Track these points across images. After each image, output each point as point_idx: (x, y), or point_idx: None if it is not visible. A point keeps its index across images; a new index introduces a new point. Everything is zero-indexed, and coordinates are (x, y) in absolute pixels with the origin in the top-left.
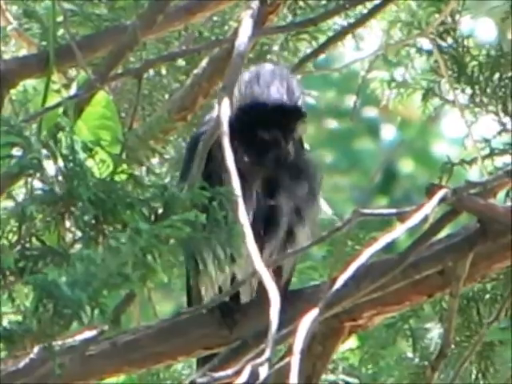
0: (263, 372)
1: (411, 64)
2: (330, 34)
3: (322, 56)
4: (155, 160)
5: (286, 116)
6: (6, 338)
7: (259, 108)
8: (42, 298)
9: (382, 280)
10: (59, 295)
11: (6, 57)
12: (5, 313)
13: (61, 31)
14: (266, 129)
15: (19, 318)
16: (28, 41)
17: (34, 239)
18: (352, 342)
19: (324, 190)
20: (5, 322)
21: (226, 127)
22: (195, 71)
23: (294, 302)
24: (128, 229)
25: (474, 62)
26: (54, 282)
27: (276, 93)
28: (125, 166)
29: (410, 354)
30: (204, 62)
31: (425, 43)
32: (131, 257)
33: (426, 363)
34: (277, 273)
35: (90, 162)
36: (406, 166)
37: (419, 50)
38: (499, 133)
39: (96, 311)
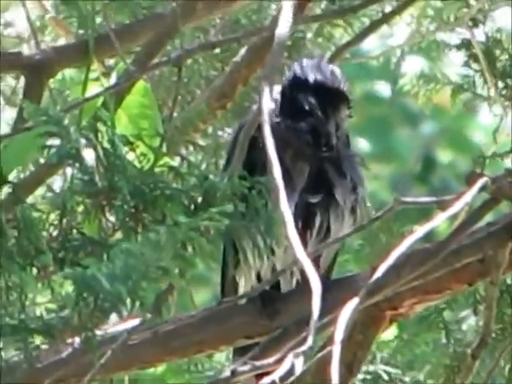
0: (301, 361)
1: (442, 57)
2: (365, 19)
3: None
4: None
5: (330, 96)
6: (45, 332)
7: (304, 86)
8: (82, 292)
9: (422, 268)
10: (99, 289)
11: (44, 46)
12: (42, 303)
13: (98, 19)
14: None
15: (56, 306)
16: (65, 29)
17: (73, 230)
18: (390, 331)
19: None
20: (43, 312)
21: (266, 116)
22: (234, 59)
23: (334, 291)
24: (166, 221)
25: (506, 56)
26: (93, 276)
27: (321, 75)
28: (165, 159)
29: (444, 341)
30: (243, 50)
31: (455, 37)
32: (170, 250)
33: (462, 350)
34: (316, 263)
35: (130, 155)
36: (445, 154)
37: (448, 44)
38: None
39: (136, 304)
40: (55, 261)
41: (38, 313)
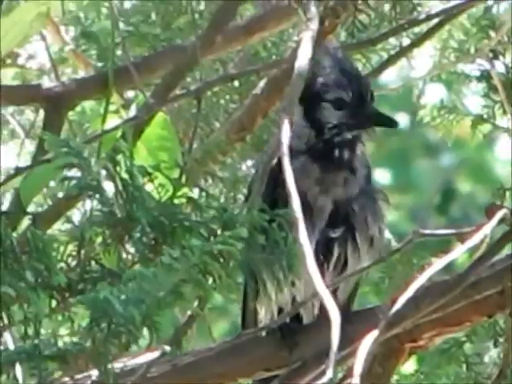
0: None
1: (462, 88)
2: (383, 53)
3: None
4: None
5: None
6: (59, 358)
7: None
8: (96, 317)
9: (441, 300)
10: (112, 313)
11: (64, 78)
12: (63, 335)
13: (118, 52)
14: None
15: (71, 335)
16: (85, 62)
17: (93, 261)
18: (410, 364)
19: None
20: (61, 344)
21: (286, 148)
22: (253, 91)
23: (354, 323)
24: (180, 246)
25: None
26: (106, 300)
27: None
28: (184, 190)
29: (466, 374)
30: (262, 82)
31: (475, 68)
32: (184, 274)
33: (483, 383)
34: (334, 295)
35: (149, 186)
36: (465, 185)
37: (469, 75)
38: None
39: (150, 329)
40: (74, 292)
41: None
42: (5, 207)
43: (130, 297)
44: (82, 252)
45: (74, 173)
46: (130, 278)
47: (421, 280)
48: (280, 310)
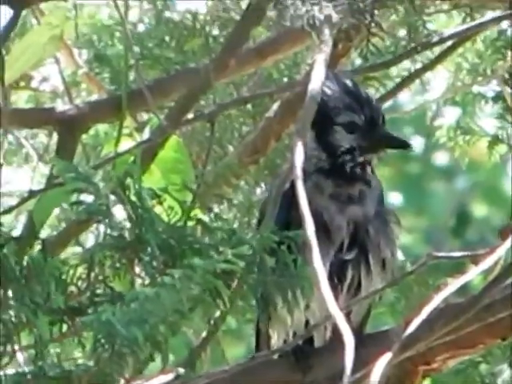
0: None
1: (477, 109)
2: (396, 78)
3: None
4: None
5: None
6: (64, 379)
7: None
8: (99, 338)
9: (455, 323)
10: (115, 334)
11: (77, 101)
12: (76, 358)
13: (131, 74)
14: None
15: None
16: (98, 85)
17: (103, 284)
18: None
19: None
20: (66, 365)
21: (299, 171)
22: (267, 114)
23: (368, 346)
24: (183, 265)
25: None
26: (108, 321)
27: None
28: (193, 212)
29: None
30: (275, 105)
31: (490, 89)
32: (186, 293)
33: None
34: (347, 317)
35: (158, 208)
36: (480, 208)
37: (484, 96)
38: None
39: (153, 349)
40: (84, 315)
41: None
42: (18, 231)
43: (133, 317)
44: (92, 275)
45: (85, 197)
46: (132, 299)
47: (434, 302)
48: (294, 333)
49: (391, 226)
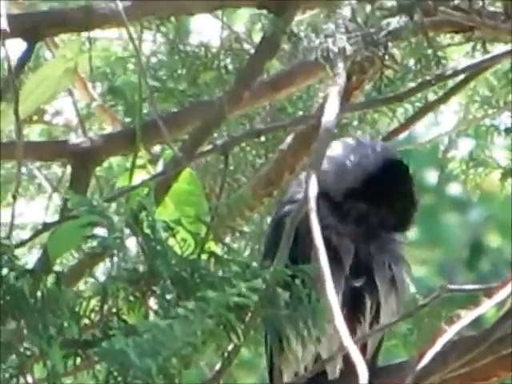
0: None
1: (490, 141)
2: (408, 106)
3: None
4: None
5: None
6: None
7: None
8: (112, 369)
9: (468, 356)
10: (129, 365)
11: (91, 133)
12: None
13: (145, 107)
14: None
15: None
16: (112, 117)
17: (115, 317)
18: None
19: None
20: None
21: (313, 204)
22: (280, 147)
23: (381, 378)
24: (196, 297)
25: None
26: (122, 352)
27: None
28: (207, 245)
29: None
30: (289, 138)
31: (503, 121)
32: (199, 325)
33: None
34: (363, 350)
35: (171, 241)
36: (493, 240)
37: (497, 128)
38: None
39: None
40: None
41: None
42: (31, 263)
43: (146, 348)
44: (105, 307)
45: (99, 230)
46: (145, 330)
47: (448, 335)
48: (305, 367)
49: (398, 248)
